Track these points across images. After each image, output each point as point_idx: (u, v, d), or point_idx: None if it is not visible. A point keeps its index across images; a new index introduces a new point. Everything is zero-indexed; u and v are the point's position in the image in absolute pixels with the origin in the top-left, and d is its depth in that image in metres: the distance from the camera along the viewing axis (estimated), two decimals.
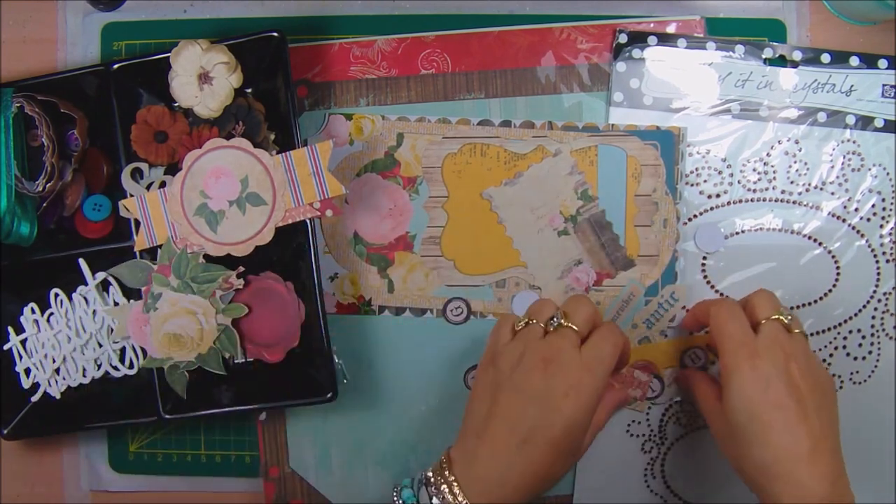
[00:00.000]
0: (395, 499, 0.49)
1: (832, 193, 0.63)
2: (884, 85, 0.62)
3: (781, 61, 0.62)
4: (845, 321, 0.63)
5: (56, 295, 0.63)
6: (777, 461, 0.47)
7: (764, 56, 0.62)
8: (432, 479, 0.49)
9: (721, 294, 0.63)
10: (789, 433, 0.47)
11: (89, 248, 0.62)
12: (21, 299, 0.64)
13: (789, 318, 0.52)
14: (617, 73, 0.63)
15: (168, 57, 0.58)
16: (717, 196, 0.63)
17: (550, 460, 0.49)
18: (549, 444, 0.49)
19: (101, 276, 0.62)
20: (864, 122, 0.62)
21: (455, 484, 0.48)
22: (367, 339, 0.64)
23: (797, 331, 0.52)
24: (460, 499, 0.48)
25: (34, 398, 0.64)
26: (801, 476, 0.46)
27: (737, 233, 0.63)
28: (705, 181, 0.63)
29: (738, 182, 0.63)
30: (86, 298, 0.63)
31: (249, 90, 0.62)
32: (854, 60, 0.62)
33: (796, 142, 0.63)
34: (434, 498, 0.48)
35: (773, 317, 0.51)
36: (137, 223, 0.61)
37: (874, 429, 0.63)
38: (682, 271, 0.63)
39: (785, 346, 0.50)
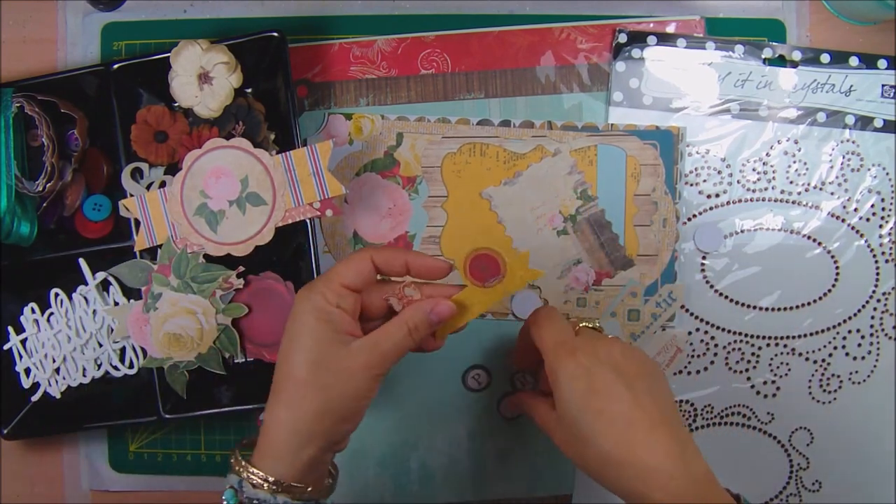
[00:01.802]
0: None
1: (832, 193, 0.63)
2: (883, 85, 0.62)
3: (781, 61, 0.62)
4: (845, 321, 0.63)
5: (56, 295, 0.63)
6: (617, 446, 0.45)
7: (763, 56, 0.62)
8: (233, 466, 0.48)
9: (721, 294, 0.63)
10: (622, 417, 0.46)
11: (89, 248, 0.62)
12: (21, 299, 0.64)
13: (600, 326, 0.53)
14: (616, 72, 0.63)
15: (168, 57, 0.59)
16: (717, 196, 0.63)
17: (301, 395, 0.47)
18: (294, 383, 0.47)
19: (101, 275, 0.62)
20: (864, 123, 0.62)
21: (246, 463, 0.47)
22: None
23: (610, 336, 0.52)
24: (254, 473, 0.46)
25: (34, 398, 0.64)
26: (643, 457, 0.45)
27: (736, 232, 0.63)
28: (705, 181, 0.63)
29: (738, 182, 0.63)
30: (86, 298, 0.63)
31: (249, 90, 0.62)
32: (854, 60, 0.62)
33: (796, 142, 0.63)
34: (233, 478, 0.47)
35: (582, 325, 0.52)
36: (137, 223, 0.61)
37: (874, 429, 0.63)
38: (681, 271, 0.63)
39: (603, 340, 0.50)
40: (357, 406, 0.47)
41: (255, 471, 0.46)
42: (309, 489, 0.47)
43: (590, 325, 0.52)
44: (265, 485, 0.46)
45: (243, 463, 0.47)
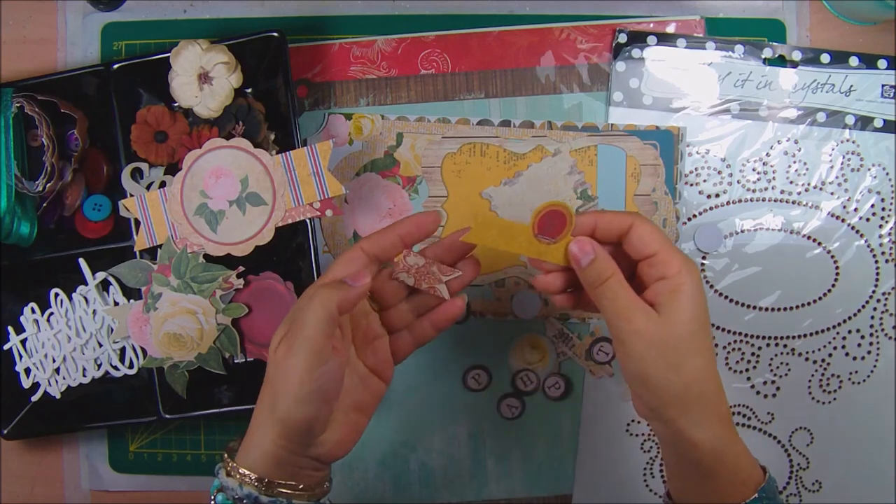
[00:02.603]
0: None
1: (831, 193, 0.63)
2: (883, 85, 0.62)
3: (781, 61, 0.62)
4: (844, 321, 0.63)
5: (56, 295, 0.63)
6: (707, 381, 0.46)
7: (763, 56, 0.62)
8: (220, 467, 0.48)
9: (721, 294, 0.63)
10: (713, 358, 0.47)
11: (89, 248, 0.62)
12: (21, 299, 0.64)
13: None
14: (616, 72, 0.63)
15: (168, 57, 0.59)
16: (717, 196, 0.63)
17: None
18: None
19: (101, 275, 0.62)
20: (864, 123, 0.62)
21: (231, 462, 0.47)
22: None
23: None
24: (239, 469, 0.46)
25: (34, 398, 0.64)
26: (719, 402, 0.46)
27: (736, 232, 0.63)
28: (705, 181, 0.63)
29: (738, 182, 0.63)
30: (86, 298, 0.63)
31: (249, 90, 0.62)
32: (854, 60, 0.62)
33: (796, 142, 0.63)
34: (220, 476, 0.47)
35: None
36: (137, 223, 0.61)
37: (874, 429, 0.63)
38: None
39: None
40: (300, 409, 0.45)
41: (241, 469, 0.46)
42: (301, 487, 0.46)
43: None
44: (248, 480, 0.45)
45: (230, 462, 0.46)
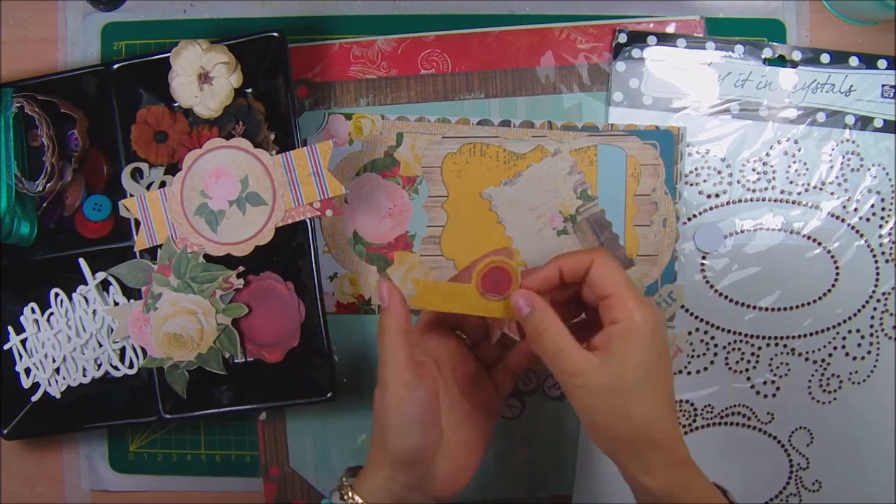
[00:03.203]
0: None
1: (831, 193, 0.63)
2: (883, 85, 0.62)
3: (781, 61, 0.62)
4: (844, 321, 0.63)
5: (56, 295, 0.63)
6: (662, 423, 0.45)
7: (763, 56, 0.62)
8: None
9: (721, 294, 0.63)
10: (671, 398, 0.46)
11: (89, 248, 0.62)
12: (21, 299, 0.64)
13: None
14: (616, 72, 0.63)
15: (168, 57, 0.59)
16: (717, 196, 0.63)
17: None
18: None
19: (101, 275, 0.62)
20: (864, 123, 0.62)
21: (348, 487, 0.49)
22: (367, 339, 0.64)
23: None
24: (354, 496, 0.49)
25: (34, 398, 0.64)
26: (675, 443, 0.45)
27: (736, 232, 0.63)
28: (705, 181, 0.63)
29: (738, 182, 0.63)
30: (86, 298, 0.63)
31: (249, 90, 0.62)
32: (853, 60, 0.62)
33: (795, 142, 0.63)
34: (334, 498, 0.50)
35: None
36: (137, 223, 0.61)
37: (874, 429, 0.63)
38: (681, 271, 0.63)
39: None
40: (403, 438, 0.47)
41: (355, 496, 0.48)
42: None
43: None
44: None
45: (347, 488, 0.49)
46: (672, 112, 0.63)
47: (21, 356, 0.64)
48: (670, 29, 0.63)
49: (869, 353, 0.63)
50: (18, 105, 0.59)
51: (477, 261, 0.50)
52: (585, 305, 0.50)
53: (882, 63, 0.62)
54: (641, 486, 0.45)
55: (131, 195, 0.60)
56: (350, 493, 0.48)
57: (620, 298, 0.46)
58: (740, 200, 0.63)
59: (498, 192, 0.64)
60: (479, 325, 0.54)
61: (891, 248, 0.63)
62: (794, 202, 0.63)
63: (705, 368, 0.63)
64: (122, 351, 0.63)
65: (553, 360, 0.46)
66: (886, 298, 0.63)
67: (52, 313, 0.64)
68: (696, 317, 0.63)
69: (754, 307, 0.63)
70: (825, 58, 0.62)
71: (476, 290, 0.49)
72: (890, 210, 0.62)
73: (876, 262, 0.63)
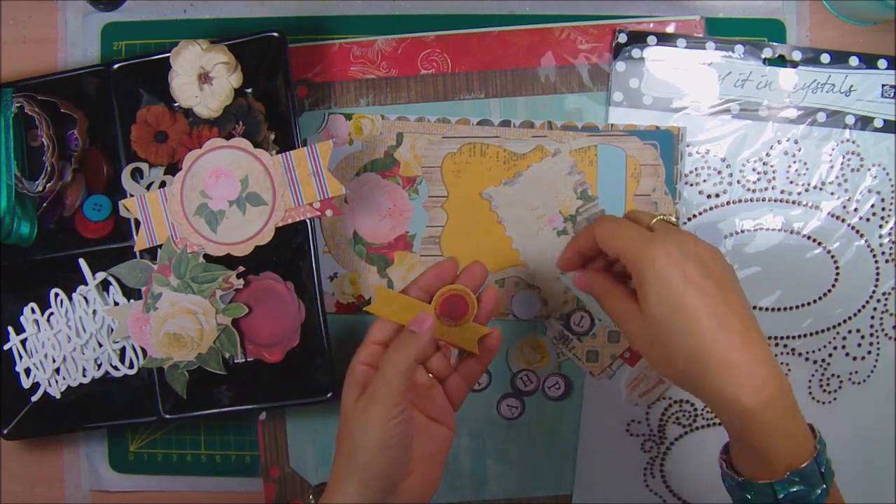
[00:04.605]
0: None
1: (832, 193, 0.63)
2: (883, 85, 0.62)
3: (781, 61, 0.62)
4: (845, 321, 0.63)
5: (56, 295, 0.63)
6: (711, 350, 0.43)
7: (763, 56, 0.62)
8: None
9: None
10: (717, 316, 0.44)
11: (89, 248, 0.62)
12: (21, 299, 0.64)
13: (673, 218, 0.51)
14: (616, 72, 0.63)
15: (168, 57, 0.59)
16: (717, 196, 0.63)
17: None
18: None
19: (101, 276, 0.62)
20: (864, 123, 0.62)
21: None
22: None
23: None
24: None
25: (34, 398, 0.64)
26: (738, 360, 0.43)
27: (736, 232, 0.63)
28: (705, 181, 0.63)
29: (738, 182, 0.63)
30: (86, 298, 0.63)
31: (249, 90, 0.62)
32: (854, 60, 0.62)
33: (796, 142, 0.63)
34: None
35: (659, 217, 0.49)
36: (137, 223, 0.61)
37: (874, 429, 0.63)
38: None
39: (684, 234, 0.48)
40: (382, 456, 0.47)
41: None
42: None
43: (666, 218, 0.49)
44: None
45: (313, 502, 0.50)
46: (672, 112, 0.63)
47: (21, 356, 0.64)
48: (670, 29, 0.63)
49: (869, 353, 0.63)
50: (18, 105, 0.59)
51: (423, 276, 0.52)
52: None
53: (882, 63, 0.62)
54: (716, 410, 0.45)
55: (131, 195, 0.60)
56: None
57: (624, 255, 0.47)
58: (740, 200, 0.63)
59: (498, 192, 0.64)
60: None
61: (891, 248, 0.63)
62: (794, 202, 0.63)
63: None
64: (122, 351, 0.63)
65: (618, 325, 0.50)
66: (886, 298, 0.63)
67: (52, 313, 0.64)
68: None
69: (754, 307, 0.63)
70: (825, 58, 0.62)
71: (433, 311, 0.51)
72: (890, 210, 0.62)
73: (876, 262, 0.63)
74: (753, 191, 0.63)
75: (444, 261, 0.52)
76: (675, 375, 0.46)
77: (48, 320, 0.64)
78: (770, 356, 0.44)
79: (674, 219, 0.50)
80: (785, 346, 0.63)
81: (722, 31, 0.64)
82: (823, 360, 0.63)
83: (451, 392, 0.53)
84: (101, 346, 0.63)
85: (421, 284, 0.52)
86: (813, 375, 0.63)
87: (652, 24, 0.63)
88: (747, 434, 0.44)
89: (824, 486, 0.44)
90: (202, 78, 0.58)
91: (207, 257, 0.59)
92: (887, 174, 0.62)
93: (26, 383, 0.64)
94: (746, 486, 0.45)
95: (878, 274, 0.63)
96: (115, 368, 0.63)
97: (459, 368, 0.53)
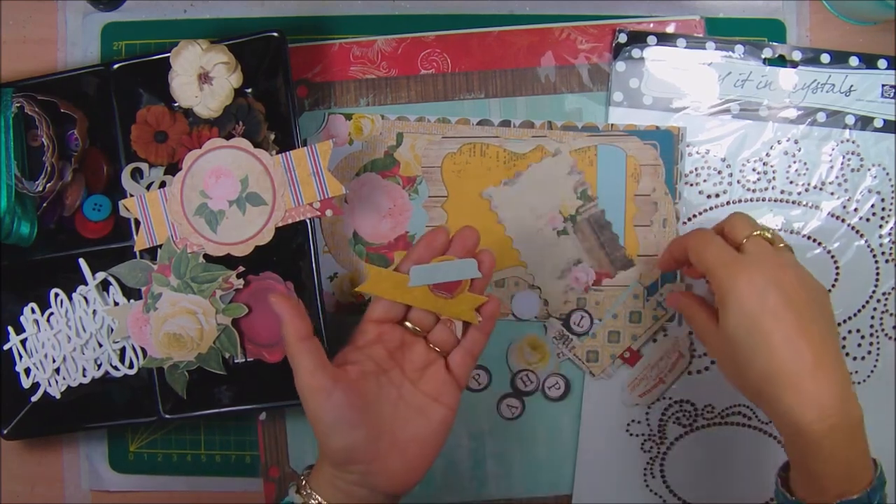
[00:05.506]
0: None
1: (831, 193, 0.63)
2: (883, 85, 0.62)
3: (781, 61, 0.62)
4: (845, 321, 0.63)
5: (56, 295, 0.63)
6: (781, 372, 0.46)
7: (763, 56, 0.62)
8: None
9: None
10: (790, 343, 0.46)
11: (89, 248, 0.62)
12: (21, 299, 0.64)
13: (770, 233, 0.51)
14: (617, 72, 0.63)
15: (168, 57, 0.59)
16: (717, 196, 0.63)
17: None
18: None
19: (101, 276, 0.62)
20: (864, 123, 0.62)
21: (303, 481, 0.51)
22: None
23: (781, 245, 0.51)
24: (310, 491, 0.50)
25: (34, 398, 0.64)
26: (807, 386, 0.46)
27: None
28: (705, 181, 0.63)
29: (738, 182, 0.63)
30: (86, 298, 0.63)
31: (249, 90, 0.62)
32: (854, 60, 0.62)
33: (796, 142, 0.63)
34: (290, 492, 0.51)
35: (755, 233, 0.50)
36: (137, 223, 0.61)
37: (874, 429, 0.63)
38: (681, 270, 0.63)
39: (774, 258, 0.49)
40: (330, 435, 0.48)
41: (311, 490, 0.49)
42: None
43: (762, 234, 0.50)
44: (314, 500, 0.49)
45: (303, 481, 0.50)
46: (672, 112, 0.63)
47: (21, 356, 0.64)
48: (670, 29, 0.63)
49: (869, 353, 0.63)
50: (18, 105, 0.59)
51: (414, 249, 0.52)
52: None
53: (882, 63, 0.62)
54: (782, 429, 0.48)
55: (131, 195, 0.60)
56: (307, 489, 0.49)
57: (710, 275, 0.50)
58: (740, 200, 0.63)
59: (498, 192, 0.64)
60: (429, 312, 0.53)
61: (891, 248, 0.63)
62: (794, 202, 0.63)
63: (706, 368, 0.63)
64: (122, 351, 0.63)
65: (699, 339, 0.54)
66: (886, 298, 0.63)
67: (52, 313, 0.64)
68: None
69: None
70: (825, 58, 0.62)
71: (427, 285, 0.50)
72: (890, 210, 0.62)
73: (876, 262, 0.63)
74: (753, 191, 0.63)
75: (433, 230, 0.52)
76: (748, 392, 0.49)
77: (48, 320, 0.64)
78: (843, 386, 0.46)
79: (769, 234, 0.51)
80: None
81: (722, 31, 0.64)
82: None
83: (456, 366, 0.52)
84: (101, 346, 0.63)
85: (413, 258, 0.51)
86: None
87: (652, 24, 0.63)
88: (805, 457, 0.46)
89: None
90: (202, 78, 0.58)
91: (207, 257, 0.59)
92: (887, 174, 0.62)
93: (26, 383, 0.64)
94: None
95: (878, 274, 0.63)
96: (115, 368, 0.63)
97: (462, 341, 0.53)
